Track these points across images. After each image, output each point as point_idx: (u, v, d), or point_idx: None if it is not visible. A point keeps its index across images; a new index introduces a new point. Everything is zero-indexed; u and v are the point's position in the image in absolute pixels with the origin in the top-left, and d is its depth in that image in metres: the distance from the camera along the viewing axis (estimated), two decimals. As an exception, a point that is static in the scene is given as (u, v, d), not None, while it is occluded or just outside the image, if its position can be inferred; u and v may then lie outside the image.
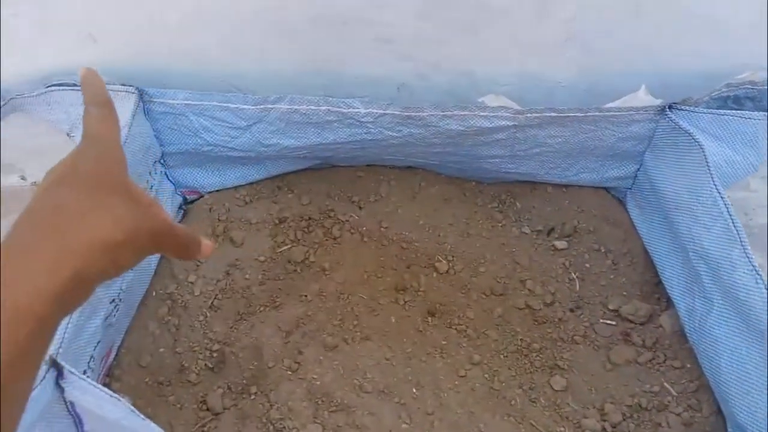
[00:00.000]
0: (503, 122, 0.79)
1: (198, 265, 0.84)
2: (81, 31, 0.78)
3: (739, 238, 0.66)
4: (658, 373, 0.76)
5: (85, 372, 0.63)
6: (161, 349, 0.77)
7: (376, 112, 0.79)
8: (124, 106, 0.77)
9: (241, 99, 0.80)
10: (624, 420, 0.72)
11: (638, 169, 0.87)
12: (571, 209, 0.90)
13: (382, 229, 0.89)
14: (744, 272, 0.65)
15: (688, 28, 0.75)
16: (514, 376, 0.76)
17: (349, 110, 0.79)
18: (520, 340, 0.79)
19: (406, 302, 0.82)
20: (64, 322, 0.54)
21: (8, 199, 0.81)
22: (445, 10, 0.75)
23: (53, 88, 0.79)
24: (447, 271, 0.85)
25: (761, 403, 0.62)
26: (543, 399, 0.74)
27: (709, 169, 0.72)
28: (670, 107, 0.78)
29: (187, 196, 0.92)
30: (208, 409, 0.72)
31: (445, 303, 0.82)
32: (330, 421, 0.71)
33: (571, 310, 0.82)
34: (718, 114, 0.76)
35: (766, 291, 0.62)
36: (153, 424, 0.52)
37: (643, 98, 0.80)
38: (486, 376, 0.76)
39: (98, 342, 0.67)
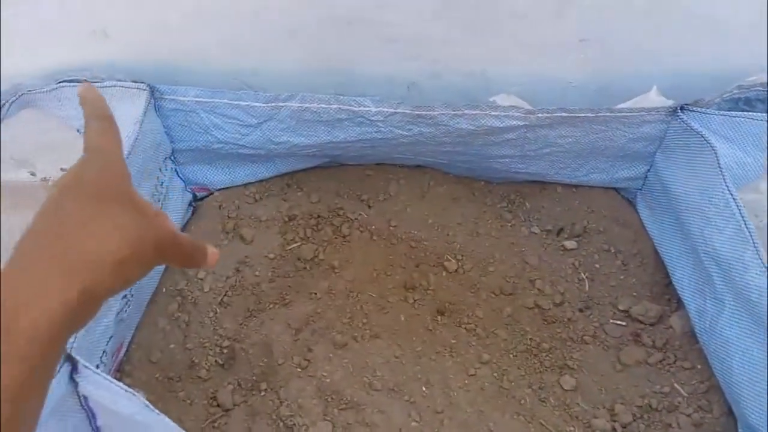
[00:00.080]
0: (514, 122, 0.79)
1: (208, 262, 0.84)
2: (93, 27, 0.78)
3: (752, 239, 0.66)
4: (669, 374, 0.75)
5: (97, 367, 0.63)
6: (171, 345, 0.77)
7: (387, 111, 0.79)
8: (135, 103, 0.77)
9: (251, 96, 0.80)
10: (634, 420, 0.72)
11: (649, 170, 0.87)
12: (580, 209, 0.90)
13: (391, 227, 0.89)
14: (756, 273, 0.65)
15: (700, 30, 0.76)
16: (524, 376, 0.76)
17: (360, 108, 0.79)
18: (530, 339, 0.79)
19: (415, 301, 0.82)
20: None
21: (18, 194, 0.81)
22: (456, 10, 0.75)
23: (64, 84, 0.79)
24: (456, 270, 0.85)
25: (773, 404, 0.62)
26: (553, 399, 0.74)
27: (721, 171, 0.72)
28: (681, 108, 0.78)
29: (197, 193, 0.92)
30: (218, 405, 0.72)
31: (455, 302, 0.82)
32: (340, 419, 0.72)
33: (581, 311, 0.82)
34: (729, 116, 0.76)
35: (778, 292, 0.62)
36: (167, 419, 0.52)
37: (654, 99, 0.79)
38: (495, 375, 0.76)
39: (110, 337, 0.67)
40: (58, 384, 0.52)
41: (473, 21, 0.76)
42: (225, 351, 0.77)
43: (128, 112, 0.75)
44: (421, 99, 0.85)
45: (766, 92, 0.78)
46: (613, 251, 0.86)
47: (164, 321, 0.79)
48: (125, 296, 0.71)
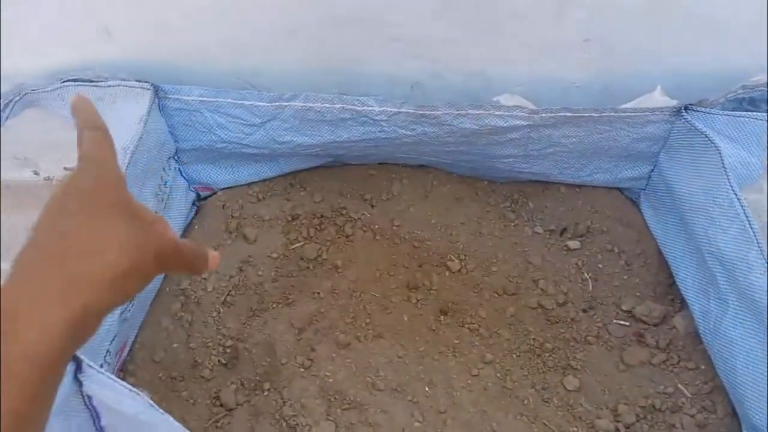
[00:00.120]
0: (518, 122, 0.78)
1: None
2: (97, 26, 0.78)
3: (756, 239, 0.66)
4: (672, 375, 0.75)
5: (101, 366, 0.63)
6: (174, 345, 0.77)
7: (391, 111, 0.79)
8: (139, 102, 0.77)
9: (255, 96, 0.80)
10: (638, 421, 0.72)
11: (652, 170, 0.86)
12: (584, 209, 0.90)
13: (394, 227, 0.89)
14: (760, 274, 0.65)
15: (700, 30, 0.75)
16: (527, 376, 0.76)
17: (364, 108, 0.79)
18: (533, 339, 0.79)
19: (418, 300, 0.82)
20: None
21: (21, 193, 0.81)
22: (456, 10, 0.75)
23: (68, 83, 0.79)
24: (459, 270, 0.85)
25: (777, 405, 0.62)
26: (556, 399, 0.74)
27: (725, 171, 0.71)
28: (685, 108, 0.78)
29: (201, 193, 0.92)
30: (221, 405, 0.73)
31: (458, 302, 0.82)
32: (343, 419, 0.72)
33: (584, 311, 0.82)
34: (733, 116, 0.76)
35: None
36: (171, 419, 0.52)
37: (658, 99, 0.79)
38: (498, 375, 0.76)
39: (114, 337, 0.67)
40: (63, 384, 0.52)
41: (473, 21, 0.76)
42: (228, 350, 0.77)
43: (132, 112, 0.75)
44: (424, 99, 0.85)
45: (770, 92, 0.78)
46: (616, 251, 0.86)
47: (167, 320, 0.79)
48: (129, 296, 0.71)
